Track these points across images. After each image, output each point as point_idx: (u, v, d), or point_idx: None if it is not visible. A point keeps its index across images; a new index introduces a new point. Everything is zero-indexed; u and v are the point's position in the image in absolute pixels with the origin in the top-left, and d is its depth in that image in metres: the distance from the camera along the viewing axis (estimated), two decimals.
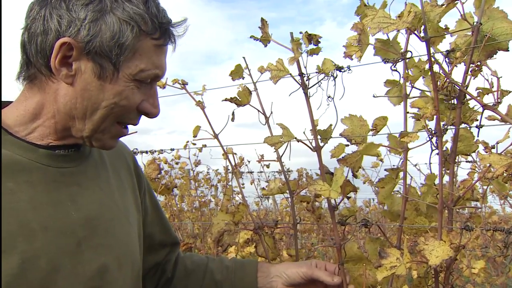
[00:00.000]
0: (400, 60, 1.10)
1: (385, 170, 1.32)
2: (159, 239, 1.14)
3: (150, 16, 0.81)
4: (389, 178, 1.29)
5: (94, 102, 0.82)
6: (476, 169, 1.03)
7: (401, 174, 1.27)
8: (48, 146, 0.85)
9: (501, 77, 0.95)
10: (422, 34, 1.02)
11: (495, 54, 0.95)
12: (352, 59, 1.15)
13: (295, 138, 1.15)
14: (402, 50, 1.18)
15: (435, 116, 1.06)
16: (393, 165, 1.27)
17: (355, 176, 1.27)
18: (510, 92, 0.94)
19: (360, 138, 1.20)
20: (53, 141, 0.86)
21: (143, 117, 0.91)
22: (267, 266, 1.15)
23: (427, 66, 1.05)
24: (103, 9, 0.79)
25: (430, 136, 1.08)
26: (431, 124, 1.09)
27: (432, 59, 1.02)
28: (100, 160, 0.96)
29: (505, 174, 0.91)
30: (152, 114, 0.89)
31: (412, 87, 1.17)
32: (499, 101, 0.95)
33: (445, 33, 1.01)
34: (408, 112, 1.23)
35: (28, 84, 0.85)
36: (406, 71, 1.19)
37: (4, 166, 0.79)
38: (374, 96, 1.27)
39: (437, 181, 1.10)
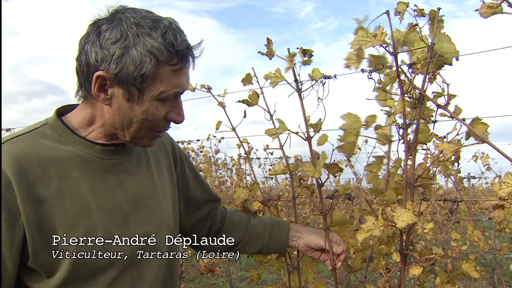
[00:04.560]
0: (373, 71, 1.11)
1: (373, 157, 1.32)
2: (202, 198, 1.16)
3: (166, 47, 0.79)
4: (375, 163, 1.32)
5: (127, 119, 0.84)
6: (429, 154, 1.07)
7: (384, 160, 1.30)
8: (101, 144, 0.89)
9: (450, 84, 0.99)
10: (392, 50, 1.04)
11: (443, 67, 0.99)
12: (351, 69, 1.17)
13: (289, 130, 1.16)
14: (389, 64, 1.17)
15: (402, 114, 1.07)
16: (368, 153, 1.30)
17: (349, 160, 1.32)
18: (456, 95, 0.98)
19: (355, 131, 1.22)
20: (104, 142, 0.89)
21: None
22: (295, 227, 1.19)
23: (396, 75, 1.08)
24: (128, 46, 0.79)
25: (398, 129, 1.11)
26: (399, 120, 1.11)
27: (399, 70, 1.05)
28: (142, 150, 0.98)
29: (453, 158, 0.98)
30: (177, 121, 0.89)
31: (384, 91, 1.17)
32: (448, 102, 0.99)
33: (412, 49, 1.04)
34: (384, 111, 1.22)
35: (83, 101, 0.89)
36: (381, 79, 1.19)
37: (70, 159, 0.84)
38: (366, 99, 1.25)
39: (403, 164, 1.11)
